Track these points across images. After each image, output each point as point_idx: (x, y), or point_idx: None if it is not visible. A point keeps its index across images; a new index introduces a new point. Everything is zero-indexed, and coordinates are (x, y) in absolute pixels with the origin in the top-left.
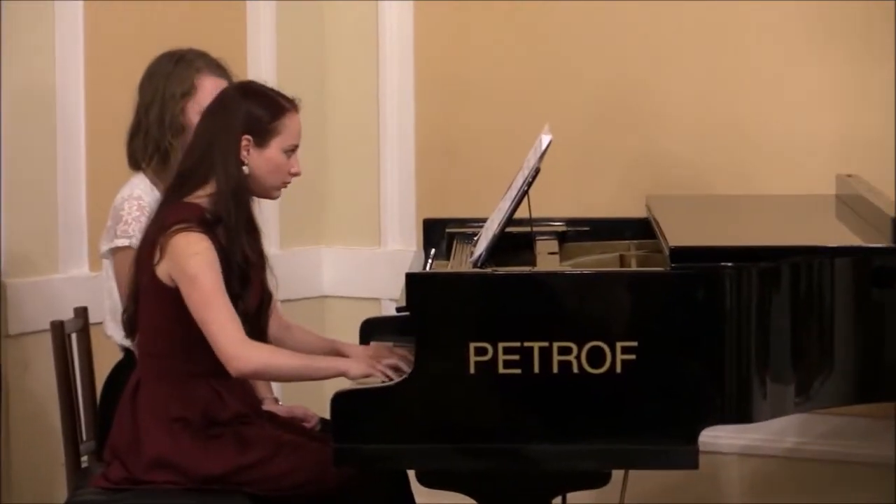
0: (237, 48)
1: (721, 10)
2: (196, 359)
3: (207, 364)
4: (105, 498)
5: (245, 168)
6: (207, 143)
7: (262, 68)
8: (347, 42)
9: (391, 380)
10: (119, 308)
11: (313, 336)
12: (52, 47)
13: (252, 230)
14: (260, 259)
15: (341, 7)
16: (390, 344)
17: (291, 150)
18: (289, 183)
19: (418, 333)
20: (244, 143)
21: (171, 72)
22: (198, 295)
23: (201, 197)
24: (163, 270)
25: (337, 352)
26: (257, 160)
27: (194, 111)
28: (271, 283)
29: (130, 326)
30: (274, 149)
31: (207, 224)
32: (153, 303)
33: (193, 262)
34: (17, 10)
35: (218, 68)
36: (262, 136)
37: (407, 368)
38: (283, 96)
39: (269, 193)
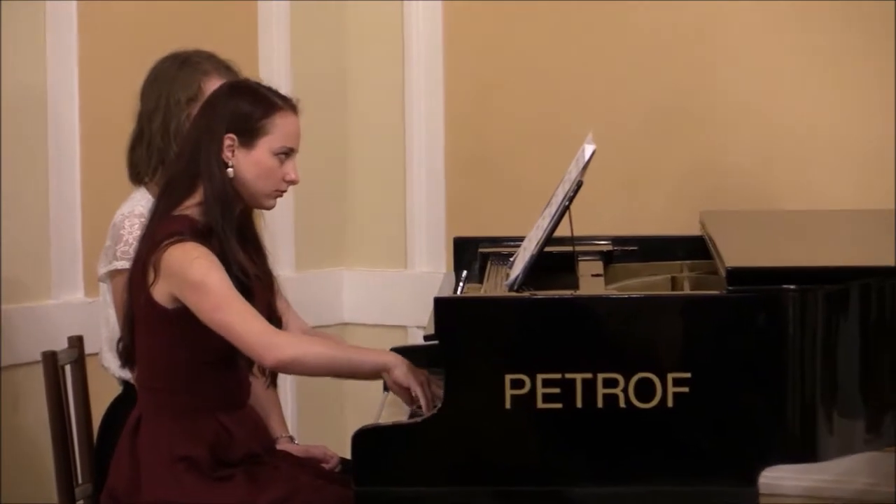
0: (248, 51)
1: (782, 9)
2: (201, 391)
3: (214, 397)
4: None
5: (230, 170)
6: (193, 147)
7: (275, 73)
8: (370, 44)
9: (420, 412)
10: (117, 337)
11: (344, 344)
12: (42, 51)
13: (256, 248)
14: (268, 279)
15: (362, 7)
16: (423, 372)
17: (285, 154)
18: (283, 191)
19: (448, 364)
20: (228, 142)
21: (176, 75)
22: (209, 299)
23: (190, 207)
24: (160, 291)
25: None
26: (243, 162)
27: None
28: (282, 305)
29: (127, 357)
30: (262, 150)
31: (201, 235)
32: (151, 329)
33: (195, 267)
34: (2, 11)
35: (227, 71)
36: (249, 135)
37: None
38: (278, 94)
39: (259, 201)
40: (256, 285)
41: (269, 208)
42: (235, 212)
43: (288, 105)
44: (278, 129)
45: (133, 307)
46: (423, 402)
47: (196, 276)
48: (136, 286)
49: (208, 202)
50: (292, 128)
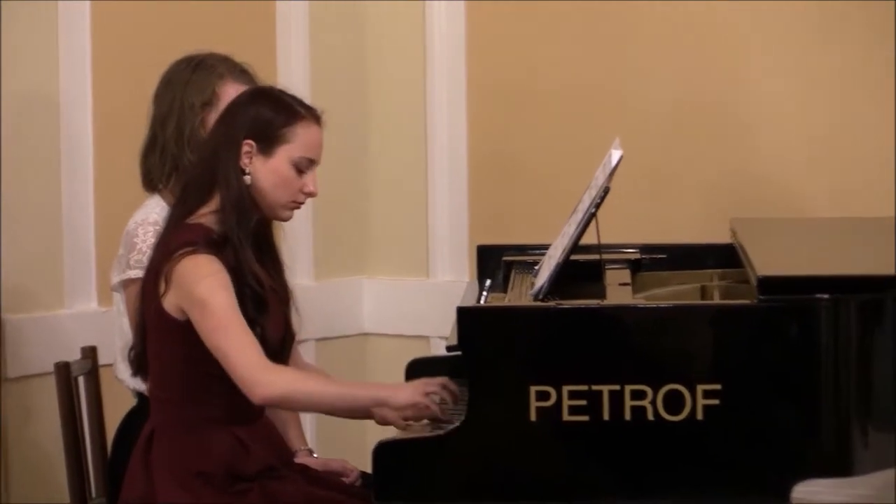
0: (266, 52)
1: (815, 13)
2: (214, 403)
3: (227, 409)
4: None
5: (247, 177)
6: (211, 153)
7: (293, 77)
8: (390, 45)
9: (443, 421)
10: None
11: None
12: (54, 53)
13: (273, 260)
14: (284, 291)
15: (382, 6)
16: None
17: (305, 165)
18: (301, 203)
19: (471, 376)
20: (246, 148)
21: (190, 79)
22: (210, 320)
23: (206, 215)
24: (170, 302)
25: None
26: (261, 170)
27: None
28: (295, 321)
29: (139, 365)
30: (280, 158)
31: (216, 245)
32: (162, 340)
33: (203, 285)
34: (14, 11)
35: (242, 74)
36: (268, 143)
37: (452, 405)
38: (301, 103)
39: (275, 212)
40: (272, 298)
41: (285, 220)
42: (252, 220)
43: (311, 115)
44: (299, 139)
45: (145, 316)
46: (437, 410)
47: (202, 293)
48: (148, 295)
49: (224, 210)
50: (314, 138)
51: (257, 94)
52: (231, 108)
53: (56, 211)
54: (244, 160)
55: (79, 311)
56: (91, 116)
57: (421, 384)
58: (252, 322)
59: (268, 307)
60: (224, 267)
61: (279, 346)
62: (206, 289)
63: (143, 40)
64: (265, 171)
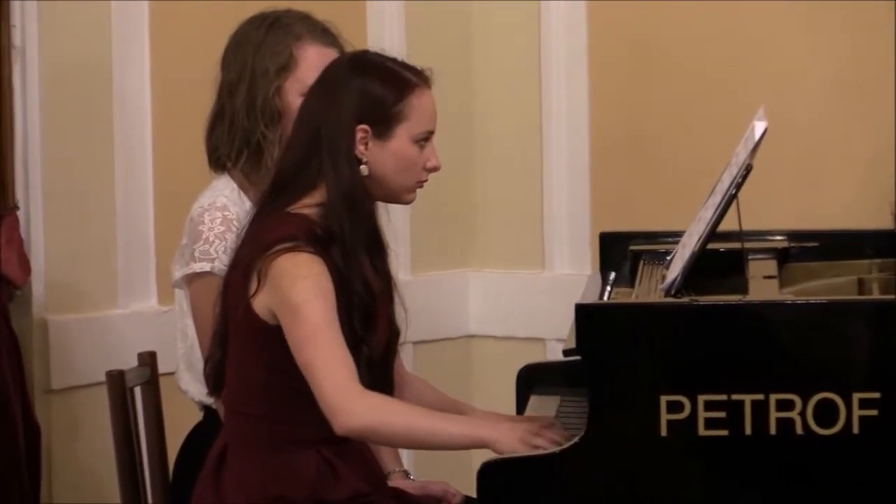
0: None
1: None
2: (302, 420)
3: (316, 427)
4: None
5: (364, 167)
6: (313, 137)
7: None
8: (501, 9)
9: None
10: (197, 353)
11: (436, 393)
12: (107, 20)
13: (378, 248)
14: (387, 286)
15: None
16: (556, 400)
17: (425, 139)
18: (425, 182)
19: (592, 384)
20: (360, 134)
21: (263, 40)
22: (301, 330)
23: (309, 206)
24: (262, 303)
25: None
26: (380, 156)
27: (294, 91)
28: (399, 316)
29: (215, 380)
30: (401, 138)
31: (320, 242)
32: (248, 347)
33: (300, 287)
34: None
35: (324, 34)
36: (385, 124)
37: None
38: (407, 66)
39: (399, 197)
40: (379, 303)
41: (408, 202)
42: (367, 216)
43: (422, 80)
44: (416, 112)
45: (227, 320)
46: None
47: (297, 297)
48: (233, 295)
49: (333, 206)
50: (430, 107)
51: (357, 65)
52: (328, 83)
53: (108, 195)
54: (359, 148)
55: (135, 310)
56: (149, 86)
57: (526, 429)
58: (358, 340)
59: (376, 322)
60: (327, 269)
61: (384, 353)
62: (301, 293)
63: (207, 6)
64: (385, 156)
